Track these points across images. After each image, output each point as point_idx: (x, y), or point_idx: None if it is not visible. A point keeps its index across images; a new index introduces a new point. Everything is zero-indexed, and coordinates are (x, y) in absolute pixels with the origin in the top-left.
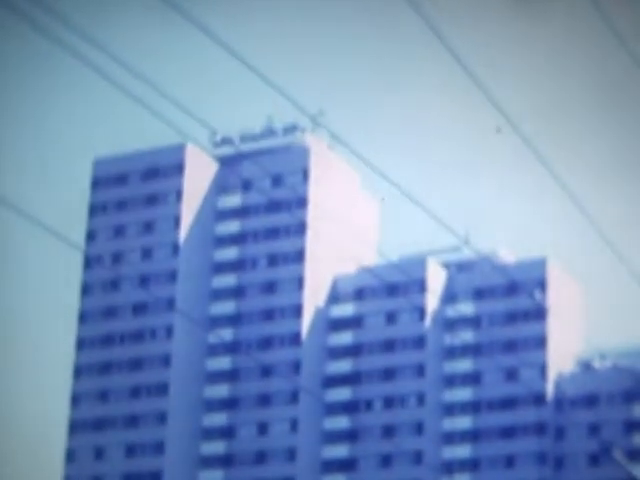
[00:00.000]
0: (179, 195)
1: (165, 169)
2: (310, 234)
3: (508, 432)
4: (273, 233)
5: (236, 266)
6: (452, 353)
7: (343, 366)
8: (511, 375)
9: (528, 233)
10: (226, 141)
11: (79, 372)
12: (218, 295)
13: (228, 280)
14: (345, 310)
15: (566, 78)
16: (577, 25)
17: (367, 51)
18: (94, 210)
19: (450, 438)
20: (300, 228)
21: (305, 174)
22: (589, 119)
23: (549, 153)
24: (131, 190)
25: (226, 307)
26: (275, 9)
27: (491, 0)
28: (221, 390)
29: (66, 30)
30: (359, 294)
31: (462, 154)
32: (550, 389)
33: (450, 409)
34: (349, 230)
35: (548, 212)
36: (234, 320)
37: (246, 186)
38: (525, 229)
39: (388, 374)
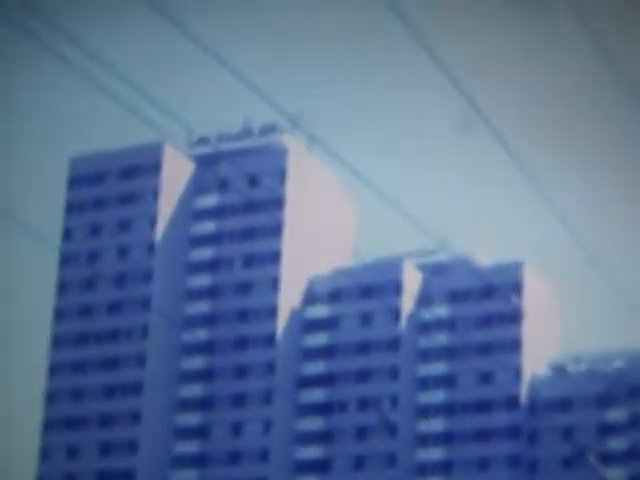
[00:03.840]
0: (156, 194)
1: (142, 168)
2: (286, 235)
3: (482, 435)
4: (249, 233)
5: (212, 266)
6: (427, 355)
7: (317, 367)
8: (485, 378)
9: (504, 235)
10: (203, 141)
11: (54, 370)
12: (193, 295)
13: (203, 280)
14: (320, 311)
15: (553, 85)
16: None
17: (347, 52)
18: (70, 208)
19: (424, 440)
20: (276, 229)
21: (282, 175)
22: (570, 119)
23: (528, 156)
24: (108, 189)
25: (201, 307)
26: (254, 4)
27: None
28: (195, 390)
29: (44, 27)
30: (334, 295)
31: (440, 154)
32: (524, 392)
33: (424, 411)
34: (325, 231)
35: (524, 214)
36: (209, 320)
37: (223, 186)
38: (501, 231)
39: (362, 376)
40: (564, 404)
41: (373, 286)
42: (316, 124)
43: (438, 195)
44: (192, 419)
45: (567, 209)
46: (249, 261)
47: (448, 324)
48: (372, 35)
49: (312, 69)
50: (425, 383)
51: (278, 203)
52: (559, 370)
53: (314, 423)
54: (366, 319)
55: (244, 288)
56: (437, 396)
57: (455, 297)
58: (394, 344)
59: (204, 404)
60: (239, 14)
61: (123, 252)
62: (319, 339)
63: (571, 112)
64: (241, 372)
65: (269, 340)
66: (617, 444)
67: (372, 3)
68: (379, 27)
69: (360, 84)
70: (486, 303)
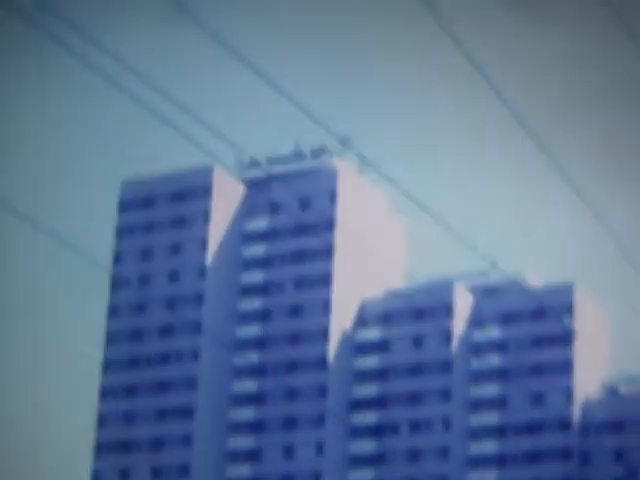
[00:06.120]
0: (206, 217)
1: (193, 192)
2: (337, 257)
3: (534, 456)
4: (300, 256)
5: (263, 289)
6: (478, 377)
7: (369, 390)
8: (537, 400)
9: (557, 257)
10: (254, 164)
11: (105, 393)
12: (244, 318)
13: (254, 303)
14: (372, 334)
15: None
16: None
17: (396, 77)
18: (121, 232)
19: (476, 463)
20: (327, 251)
21: (333, 197)
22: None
23: (581, 176)
24: (159, 212)
25: (252, 330)
26: (308, 33)
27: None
28: (247, 413)
29: (94, 49)
30: (386, 318)
31: (493, 177)
32: (576, 414)
33: (476, 433)
34: (377, 253)
35: (578, 235)
36: (260, 343)
37: (274, 209)
38: (554, 253)
39: (414, 398)
40: (616, 426)
41: (424, 308)
42: (367, 145)
43: (488, 212)
44: (244, 442)
45: (619, 227)
46: (300, 284)
47: (500, 346)
48: (424, 61)
49: (362, 92)
50: (477, 405)
51: (329, 225)
52: (611, 391)
53: (366, 446)
54: (418, 341)
55: (295, 311)
56: (489, 418)
57: (506, 319)
58: (446, 366)
59: (256, 427)
60: (289, 38)
61: (174, 275)
62: (371, 362)
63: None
64: (293, 395)
65: (320, 363)
66: None
67: (435, 43)
68: (429, 58)
69: (407, 104)
70: (537, 324)
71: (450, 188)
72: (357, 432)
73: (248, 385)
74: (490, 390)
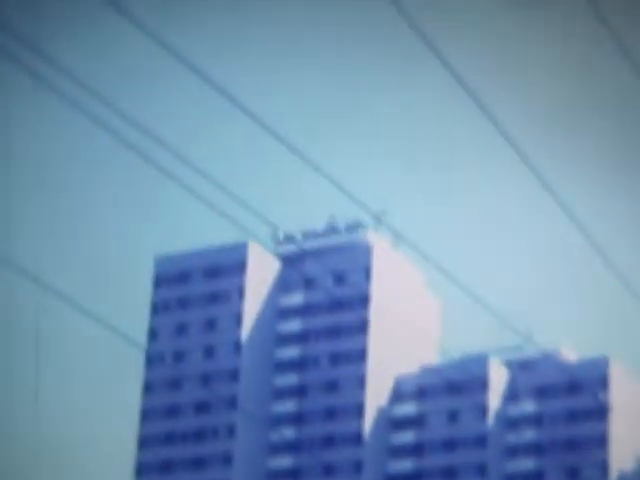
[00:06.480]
0: (241, 293)
1: (227, 267)
2: (372, 332)
3: None
4: (335, 331)
5: (298, 365)
6: (514, 452)
7: (405, 465)
8: (573, 474)
9: (591, 330)
10: (289, 239)
11: (141, 470)
12: (280, 394)
13: (290, 379)
14: (407, 409)
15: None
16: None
17: (430, 153)
18: (156, 308)
19: None
20: (362, 326)
21: (367, 272)
22: None
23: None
24: (193, 288)
25: (288, 406)
26: (343, 112)
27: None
28: None
29: (123, 124)
30: (421, 393)
31: (528, 250)
32: None
33: None
34: (411, 328)
35: (611, 308)
36: (296, 419)
37: (308, 284)
38: (588, 325)
39: (450, 473)
40: None
41: (459, 383)
42: (401, 220)
43: (521, 283)
44: None
45: None
46: (335, 359)
47: (535, 420)
48: (456, 136)
49: (395, 166)
50: None
51: (363, 300)
52: None
53: None
54: (453, 416)
55: (331, 386)
56: None
57: (541, 393)
58: (481, 441)
59: None
60: (324, 117)
61: (209, 351)
62: (406, 437)
63: None
64: (329, 470)
65: (356, 438)
66: None
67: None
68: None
69: (444, 182)
70: (572, 398)
71: (484, 259)
72: None
73: (284, 461)
74: (525, 464)
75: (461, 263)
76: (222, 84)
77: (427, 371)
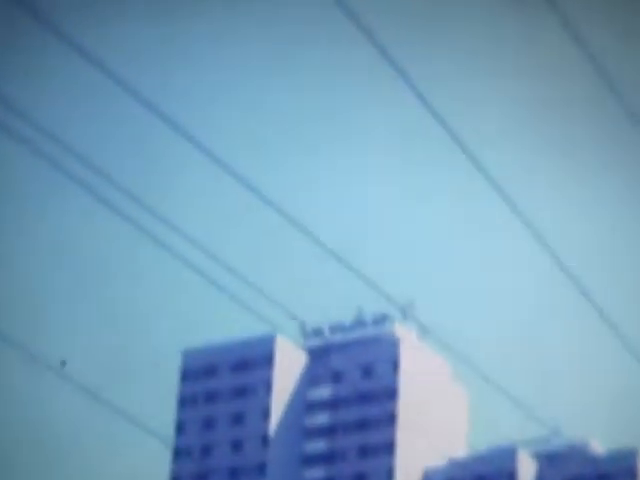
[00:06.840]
0: (269, 387)
1: (255, 361)
2: (400, 426)
3: None
4: (363, 425)
5: (326, 458)
6: None
7: None
8: None
9: (620, 422)
10: (316, 332)
11: None
12: None
13: (318, 472)
14: None
15: None
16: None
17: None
18: (183, 401)
19: None
20: (390, 420)
21: (395, 365)
22: None
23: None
24: (220, 381)
25: None
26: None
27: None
28: None
29: (146, 215)
30: None
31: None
32: None
33: None
34: (439, 421)
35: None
36: None
37: (336, 377)
38: (617, 418)
39: None
40: None
41: (487, 476)
42: (427, 311)
43: (549, 380)
44: None
45: None
46: (363, 453)
47: None
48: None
49: (424, 257)
50: None
51: (391, 394)
52: None
53: None
54: None
55: None
56: None
57: None
58: None
59: None
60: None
61: (237, 445)
62: None
63: None
64: None
65: None
66: None
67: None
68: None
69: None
70: None
71: (508, 351)
72: None
73: None
74: None
75: (487, 355)
76: (246, 178)
77: (455, 465)
